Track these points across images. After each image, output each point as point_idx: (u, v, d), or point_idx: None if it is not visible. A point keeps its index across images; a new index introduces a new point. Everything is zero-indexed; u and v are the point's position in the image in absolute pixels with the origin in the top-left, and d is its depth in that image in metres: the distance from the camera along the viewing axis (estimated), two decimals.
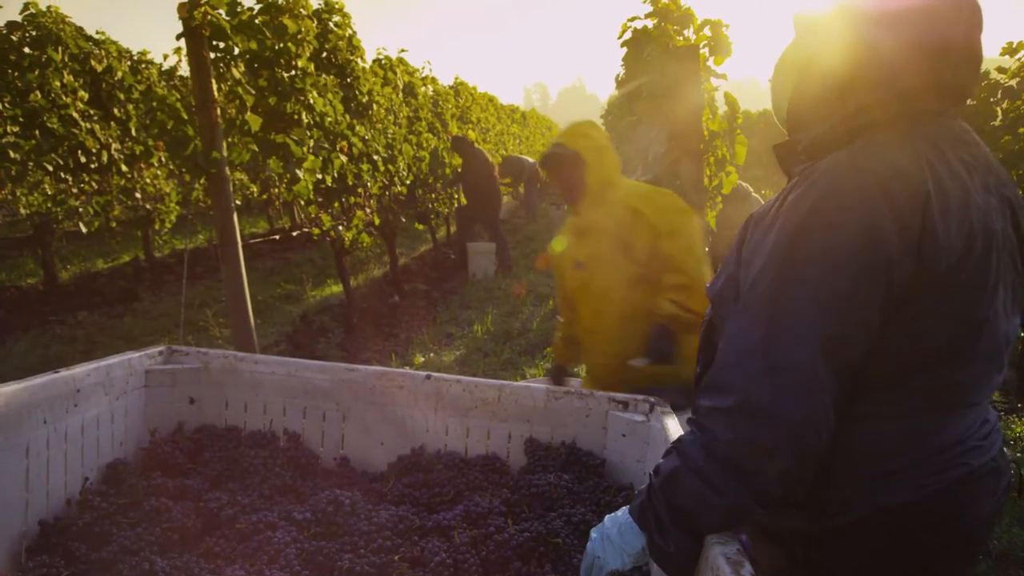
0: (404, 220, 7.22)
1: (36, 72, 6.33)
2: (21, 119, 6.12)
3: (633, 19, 4.30)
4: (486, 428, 1.71)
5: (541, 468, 1.59)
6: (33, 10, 6.59)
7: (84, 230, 7.14)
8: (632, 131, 5.38)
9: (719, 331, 1.16)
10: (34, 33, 6.50)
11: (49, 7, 6.78)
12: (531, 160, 12.68)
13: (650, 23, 4.19)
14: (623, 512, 1.12)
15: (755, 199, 5.72)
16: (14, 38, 6.33)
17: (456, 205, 8.87)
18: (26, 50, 6.38)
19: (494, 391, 1.70)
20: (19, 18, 6.49)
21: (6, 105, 5.97)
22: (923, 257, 0.97)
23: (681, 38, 4.11)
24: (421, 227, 9.10)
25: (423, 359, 5.24)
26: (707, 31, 4.07)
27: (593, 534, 1.14)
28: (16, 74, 6.19)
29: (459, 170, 8.42)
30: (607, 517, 1.14)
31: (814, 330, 0.97)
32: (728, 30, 4.05)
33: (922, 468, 1.05)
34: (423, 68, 8.93)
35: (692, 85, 3.93)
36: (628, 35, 4.40)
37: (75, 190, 7.07)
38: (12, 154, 5.92)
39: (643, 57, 4.23)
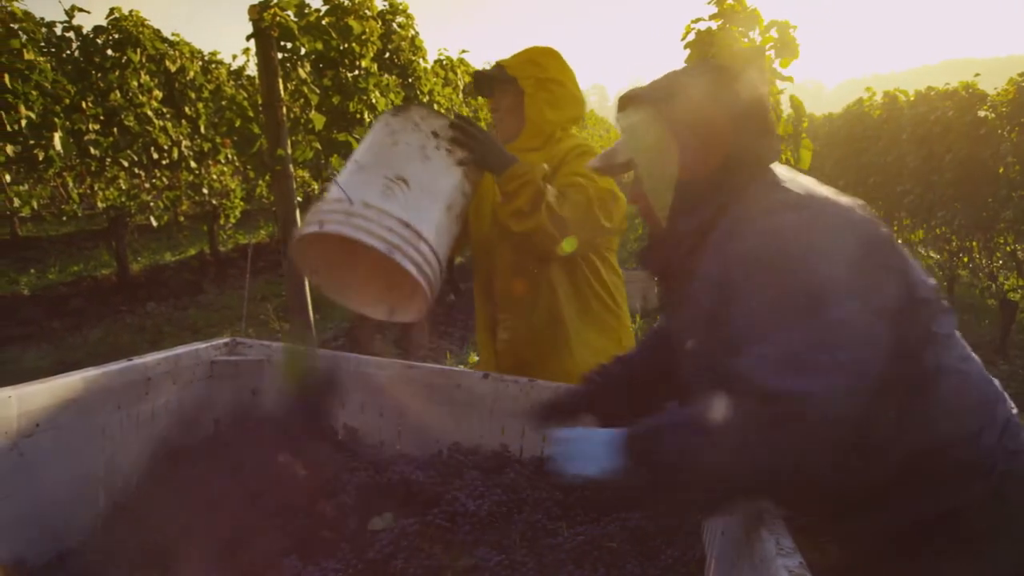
0: None
1: (116, 73, 6.63)
2: (102, 117, 6.41)
3: (697, 20, 4.23)
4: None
5: None
6: (117, 14, 6.90)
7: (154, 224, 7.44)
8: None
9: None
10: (116, 36, 6.80)
11: (131, 11, 7.09)
12: None
13: (714, 24, 4.12)
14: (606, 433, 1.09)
15: None
16: (99, 41, 6.64)
17: None
18: (108, 52, 6.68)
19: (550, 392, 1.70)
20: (104, 22, 6.81)
21: (89, 104, 6.26)
22: None
23: (746, 39, 4.03)
24: None
25: (477, 358, 5.27)
26: (773, 32, 3.97)
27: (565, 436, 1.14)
28: (99, 75, 6.50)
29: None
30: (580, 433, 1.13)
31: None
32: (795, 31, 3.96)
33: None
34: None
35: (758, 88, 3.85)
36: (691, 37, 4.34)
37: (147, 185, 7.37)
38: (93, 150, 6.21)
39: (707, 59, 4.17)
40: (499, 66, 2.02)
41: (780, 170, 1.21)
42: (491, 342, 2.14)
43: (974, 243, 5.91)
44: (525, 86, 1.98)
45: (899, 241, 1.14)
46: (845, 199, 1.14)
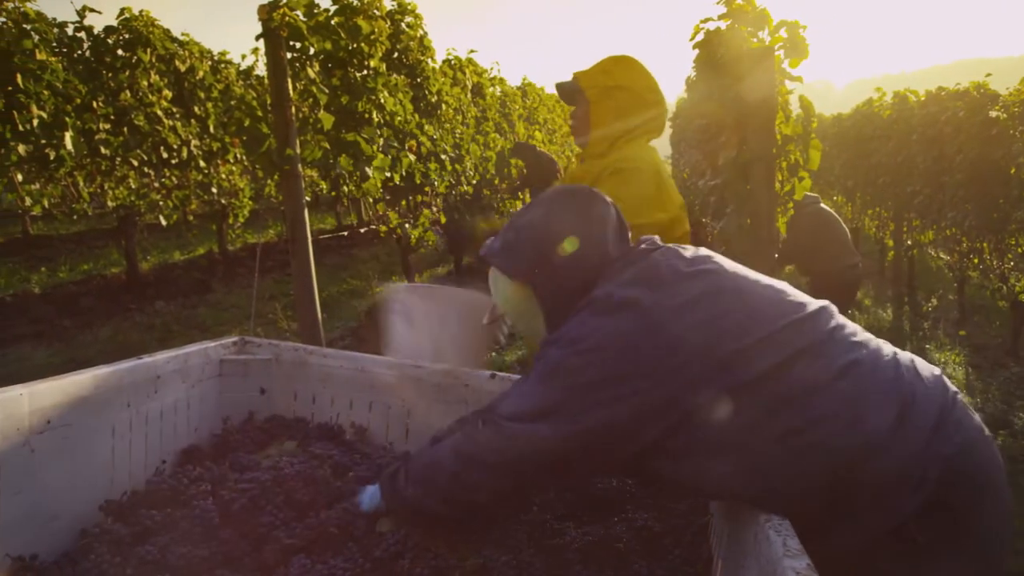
0: (470, 219, 7.29)
1: (127, 72, 6.66)
2: (112, 117, 6.45)
3: (706, 20, 4.21)
4: None
5: None
6: (127, 15, 6.94)
7: (163, 223, 7.47)
8: (702, 135, 5.28)
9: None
10: (127, 36, 6.84)
11: (141, 11, 7.13)
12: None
13: (723, 24, 4.10)
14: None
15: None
16: (110, 41, 6.68)
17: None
18: (119, 52, 6.72)
19: None
20: (115, 22, 6.85)
21: (100, 104, 6.30)
22: None
23: (755, 40, 4.01)
24: (486, 226, 9.16)
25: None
26: (783, 32, 3.96)
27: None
28: (110, 75, 6.53)
29: (524, 173, 8.44)
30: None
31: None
32: (805, 31, 3.94)
33: None
34: (491, 69, 8.98)
35: (766, 88, 3.83)
36: (700, 37, 4.33)
37: (157, 184, 7.40)
38: (103, 150, 6.24)
39: (716, 59, 4.15)
40: (573, 77, 2.11)
41: (645, 247, 1.29)
42: None
43: (985, 244, 5.86)
44: (590, 96, 2.06)
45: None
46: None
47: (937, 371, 1.16)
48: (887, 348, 1.16)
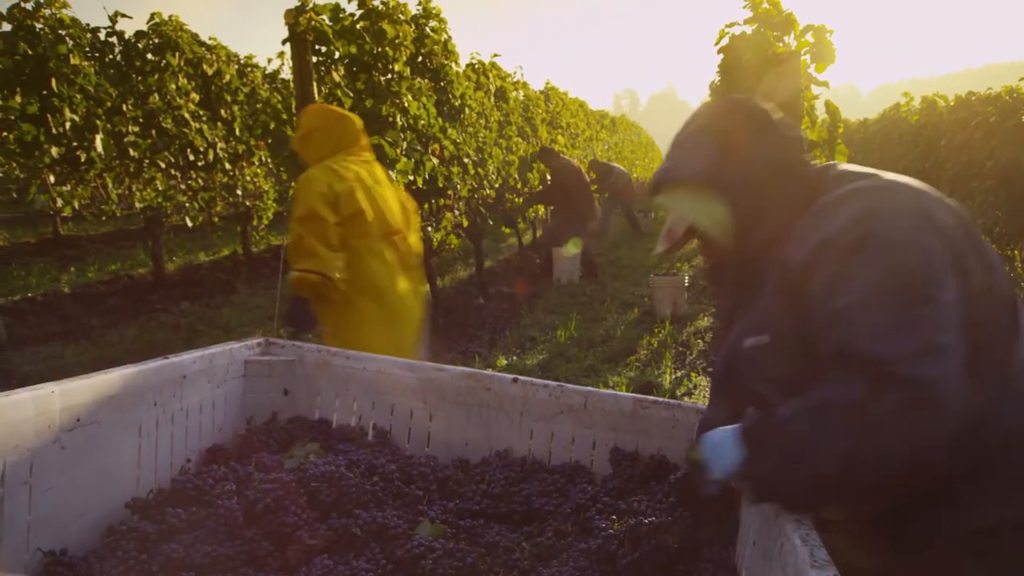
0: (491, 223, 7.30)
1: (156, 76, 6.78)
2: (141, 119, 6.56)
3: (731, 25, 4.19)
4: (571, 434, 1.70)
5: (626, 478, 1.57)
6: (157, 19, 7.06)
7: (189, 224, 7.58)
8: None
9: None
10: (156, 40, 6.96)
11: (171, 16, 7.24)
12: (621, 169, 12.46)
13: (748, 29, 4.07)
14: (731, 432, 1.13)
15: None
16: (140, 46, 6.80)
17: (546, 211, 8.87)
18: (149, 56, 6.84)
19: (580, 397, 1.69)
20: (145, 27, 6.97)
21: (129, 107, 6.41)
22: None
23: (781, 44, 3.98)
24: (508, 230, 9.17)
25: (506, 362, 5.27)
26: (809, 37, 3.92)
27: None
28: (139, 78, 6.65)
29: (547, 179, 8.41)
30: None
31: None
32: (832, 36, 3.90)
33: None
34: (515, 73, 8.99)
35: (791, 93, 3.79)
36: (725, 41, 4.30)
37: (183, 186, 7.51)
38: (132, 152, 6.35)
39: (740, 64, 4.12)
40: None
41: (843, 164, 1.25)
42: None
43: (1016, 252, 5.77)
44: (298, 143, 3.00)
45: None
46: (922, 184, 1.15)
47: None
48: None
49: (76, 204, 6.61)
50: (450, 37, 6.02)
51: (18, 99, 5.16)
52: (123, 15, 6.62)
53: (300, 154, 2.99)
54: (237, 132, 7.95)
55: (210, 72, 7.77)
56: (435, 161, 5.20)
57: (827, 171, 1.24)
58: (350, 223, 2.57)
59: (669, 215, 1.36)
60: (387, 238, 2.74)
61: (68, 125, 5.48)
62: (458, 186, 5.84)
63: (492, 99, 7.78)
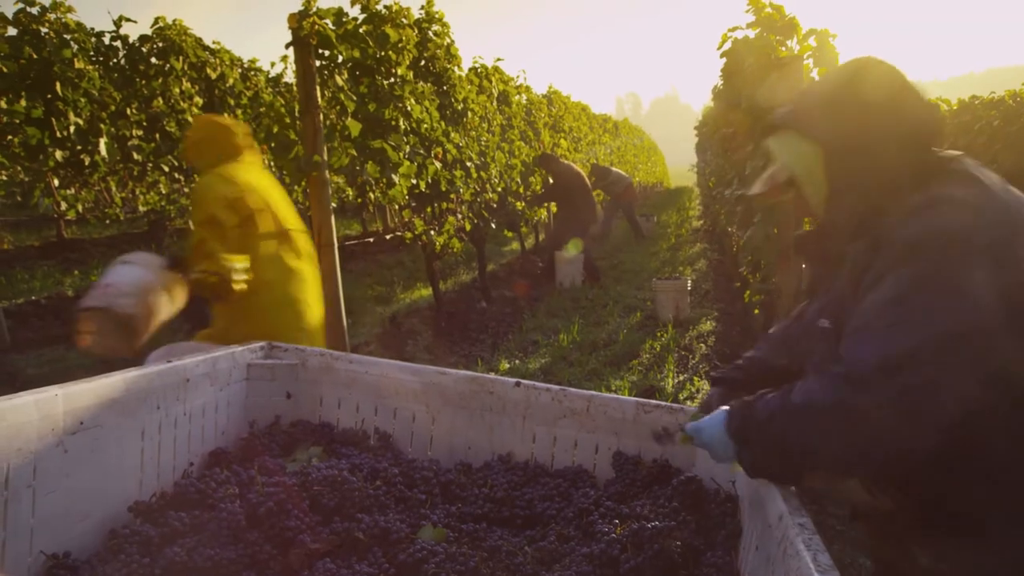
0: (494, 227, 7.29)
1: (160, 80, 6.80)
2: (144, 123, 6.58)
3: (734, 29, 4.19)
4: (573, 438, 1.70)
5: (629, 482, 1.57)
6: (161, 24, 7.08)
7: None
8: (729, 143, 5.25)
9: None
10: (160, 44, 6.98)
11: (174, 20, 7.27)
12: (620, 172, 12.45)
13: (751, 33, 4.08)
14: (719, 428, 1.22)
15: None
16: (144, 49, 6.82)
17: (549, 214, 8.87)
18: (153, 60, 6.86)
19: (583, 401, 1.69)
20: (149, 31, 7.00)
21: (133, 111, 6.43)
22: None
23: (784, 48, 3.98)
24: (510, 234, 9.16)
25: (508, 365, 5.27)
26: (812, 41, 3.92)
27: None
28: (143, 82, 6.67)
29: (550, 182, 8.42)
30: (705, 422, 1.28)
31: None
32: (835, 40, 3.90)
33: None
34: (518, 77, 8.99)
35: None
36: (728, 45, 4.30)
37: (186, 189, 7.53)
38: (136, 156, 6.37)
39: (743, 68, 4.13)
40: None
41: (971, 161, 1.23)
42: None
43: None
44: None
45: None
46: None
47: None
48: None
49: (80, 207, 6.64)
50: (453, 41, 6.03)
51: (23, 103, 5.19)
52: (127, 19, 6.64)
53: (191, 163, 3.20)
54: None
55: (214, 76, 7.79)
56: (438, 165, 5.21)
57: (950, 162, 1.20)
58: (247, 224, 2.64)
59: (775, 160, 1.34)
60: (283, 236, 2.81)
61: (72, 129, 5.50)
62: (461, 190, 5.84)
63: (495, 103, 7.78)
